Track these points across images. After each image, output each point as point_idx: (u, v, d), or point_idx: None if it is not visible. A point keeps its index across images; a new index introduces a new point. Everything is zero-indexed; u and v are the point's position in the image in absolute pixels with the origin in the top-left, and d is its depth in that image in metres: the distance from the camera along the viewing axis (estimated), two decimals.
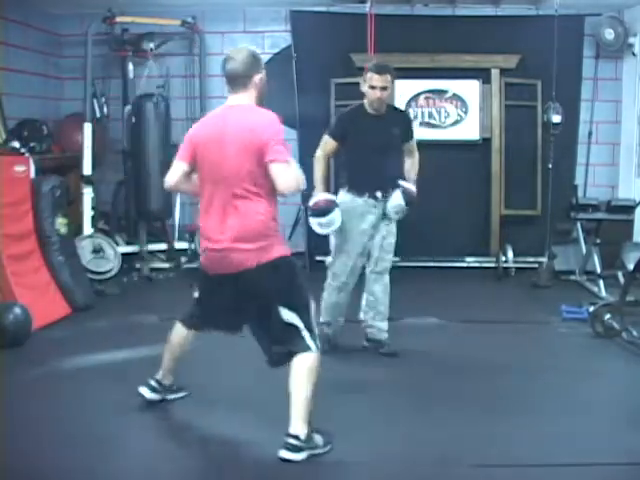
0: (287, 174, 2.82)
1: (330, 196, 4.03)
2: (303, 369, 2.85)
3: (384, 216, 4.07)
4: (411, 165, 4.21)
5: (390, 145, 4.06)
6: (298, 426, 2.82)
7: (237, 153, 2.82)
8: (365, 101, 4.08)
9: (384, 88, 3.98)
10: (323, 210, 3.94)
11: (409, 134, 4.18)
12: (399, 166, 4.16)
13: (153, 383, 3.33)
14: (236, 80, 2.92)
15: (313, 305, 2.99)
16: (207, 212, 2.94)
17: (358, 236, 4.06)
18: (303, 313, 2.90)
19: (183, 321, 3.28)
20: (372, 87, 3.97)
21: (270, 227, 2.91)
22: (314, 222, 4.00)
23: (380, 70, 4.00)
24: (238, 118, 2.88)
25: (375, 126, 4.03)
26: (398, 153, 4.16)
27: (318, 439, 2.89)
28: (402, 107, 6.32)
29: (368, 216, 4.05)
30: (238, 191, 2.84)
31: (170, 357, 3.33)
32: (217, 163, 2.86)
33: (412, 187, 4.06)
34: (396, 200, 4.02)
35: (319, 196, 3.97)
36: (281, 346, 2.90)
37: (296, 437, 2.81)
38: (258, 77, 2.94)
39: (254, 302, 2.94)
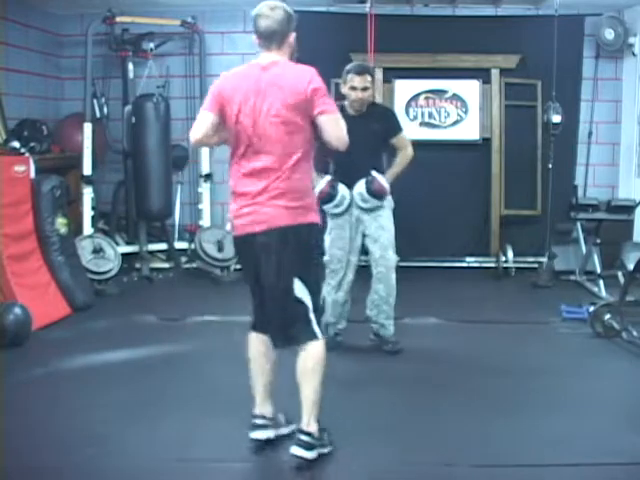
0: (338, 125, 2.76)
1: (326, 177, 4.06)
2: (310, 361, 2.78)
3: (367, 211, 4.12)
4: (398, 159, 4.21)
5: (370, 142, 4.05)
6: (311, 422, 2.78)
7: (279, 109, 2.71)
8: (346, 102, 4.09)
9: (365, 89, 3.99)
10: (331, 194, 4.01)
11: (393, 129, 4.18)
12: (381, 162, 4.18)
13: (258, 421, 2.99)
14: (272, 38, 2.79)
15: (323, 288, 2.97)
16: (241, 171, 2.81)
17: (348, 232, 4.13)
18: (314, 291, 2.84)
19: (253, 327, 3.05)
20: (353, 88, 4.00)
21: (309, 189, 2.85)
22: (329, 208, 4.08)
23: (360, 71, 4.02)
24: (276, 74, 2.75)
25: (355, 126, 4.01)
26: (380, 150, 4.19)
27: (326, 437, 2.86)
28: (402, 107, 6.37)
29: (353, 211, 4.12)
30: (277, 150, 2.73)
31: (261, 376, 2.99)
32: (254, 120, 2.73)
33: (381, 178, 4.06)
34: (358, 188, 4.06)
35: (320, 184, 3.99)
36: (288, 327, 2.82)
37: (309, 434, 2.77)
38: (292, 36, 2.84)
39: (275, 267, 2.79)
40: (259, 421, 2.98)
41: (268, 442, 2.97)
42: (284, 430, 3.04)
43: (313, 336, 2.80)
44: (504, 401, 3.50)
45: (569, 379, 3.80)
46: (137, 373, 3.89)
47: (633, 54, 6.46)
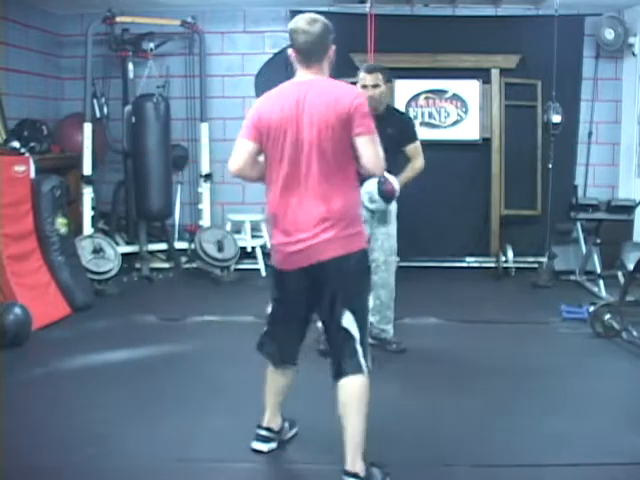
0: (375, 149, 2.62)
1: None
2: (354, 396, 2.63)
3: (378, 216, 4.11)
4: (407, 169, 4.21)
5: (384, 145, 4.03)
6: (357, 462, 2.60)
7: (322, 130, 2.56)
8: None
9: (375, 86, 4.04)
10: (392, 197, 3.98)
11: (408, 136, 4.19)
12: (394, 166, 4.16)
13: (264, 433, 2.95)
14: (311, 54, 2.66)
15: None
16: (283, 198, 2.63)
17: None
18: (362, 324, 2.67)
19: (257, 346, 2.91)
20: (364, 87, 4.03)
21: (357, 216, 2.69)
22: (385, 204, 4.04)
23: (370, 70, 4.09)
24: (319, 92, 2.61)
25: None
26: (394, 154, 4.16)
27: (376, 473, 2.67)
28: (402, 107, 6.37)
29: (363, 213, 4.09)
30: (322, 173, 2.58)
31: (275, 395, 2.95)
32: (297, 143, 2.59)
33: (393, 180, 4.00)
34: (368, 187, 3.99)
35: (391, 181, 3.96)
36: (336, 357, 2.68)
37: (355, 475, 2.60)
38: (332, 49, 2.72)
39: (326, 297, 2.66)
40: (264, 433, 2.94)
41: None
42: (288, 435, 3.03)
43: (358, 369, 2.64)
44: (504, 401, 3.50)
45: (569, 379, 3.80)
46: (137, 373, 3.89)
47: (633, 54, 6.46)
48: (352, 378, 2.63)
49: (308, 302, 2.74)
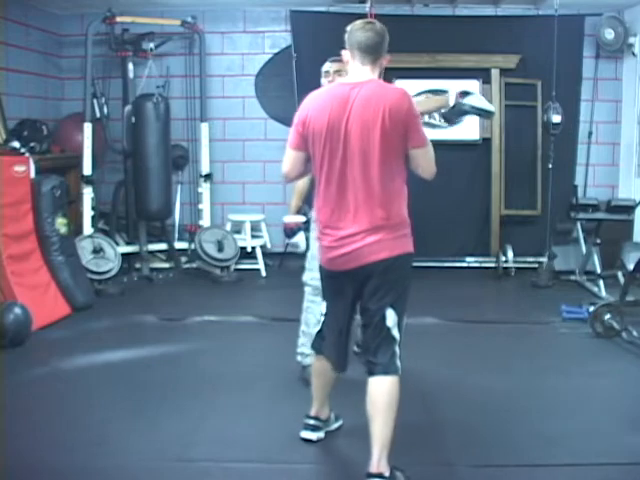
0: (430, 160, 2.64)
1: (298, 219, 3.74)
2: (386, 396, 2.63)
3: None
4: None
5: None
6: (382, 463, 2.59)
7: (375, 132, 2.54)
8: None
9: (337, 71, 3.65)
10: (288, 233, 3.73)
11: None
12: None
13: (312, 422, 3.01)
14: (369, 52, 2.67)
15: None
16: (330, 201, 2.64)
17: None
18: (401, 326, 2.70)
19: (312, 345, 2.99)
20: (326, 73, 3.78)
21: (404, 217, 2.67)
22: (287, 240, 3.85)
23: (333, 59, 3.77)
24: (368, 96, 2.58)
25: None
26: None
27: (400, 476, 2.65)
28: None
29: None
30: (370, 177, 2.56)
31: (323, 388, 3.00)
32: (345, 146, 2.57)
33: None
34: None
35: (288, 218, 3.74)
36: (374, 355, 2.68)
37: (379, 476, 2.58)
38: (386, 58, 2.75)
39: (371, 296, 2.67)
40: (313, 422, 3.01)
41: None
42: (333, 427, 3.10)
43: (394, 370, 2.67)
44: (504, 401, 3.50)
45: (569, 379, 3.80)
46: (137, 373, 3.89)
47: (633, 54, 6.46)
48: (386, 377, 2.66)
49: (354, 302, 2.77)
